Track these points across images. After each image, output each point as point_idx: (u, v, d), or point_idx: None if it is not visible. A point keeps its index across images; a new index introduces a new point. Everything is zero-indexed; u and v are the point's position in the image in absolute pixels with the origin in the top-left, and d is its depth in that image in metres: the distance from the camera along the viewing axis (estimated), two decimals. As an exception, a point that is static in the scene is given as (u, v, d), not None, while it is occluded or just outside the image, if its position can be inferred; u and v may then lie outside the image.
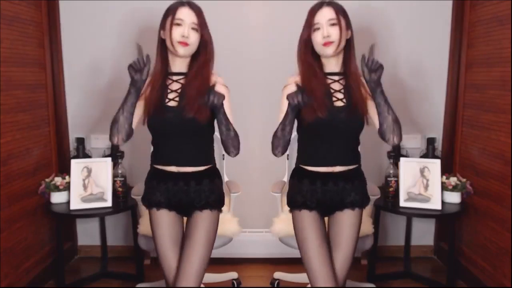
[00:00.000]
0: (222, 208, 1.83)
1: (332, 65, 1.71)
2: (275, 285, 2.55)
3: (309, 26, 1.67)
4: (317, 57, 1.72)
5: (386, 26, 2.78)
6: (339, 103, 1.69)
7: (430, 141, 2.74)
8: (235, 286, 2.56)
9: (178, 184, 1.74)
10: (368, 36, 2.77)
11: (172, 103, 1.70)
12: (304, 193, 1.75)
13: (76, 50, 2.78)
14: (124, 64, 2.77)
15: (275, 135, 1.73)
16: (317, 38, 1.65)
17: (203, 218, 1.74)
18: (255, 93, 2.85)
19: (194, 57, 1.72)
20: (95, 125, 2.84)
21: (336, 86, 1.72)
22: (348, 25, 1.69)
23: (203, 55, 1.70)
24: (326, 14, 1.64)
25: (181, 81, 1.72)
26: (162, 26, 1.69)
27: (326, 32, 1.63)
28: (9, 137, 2.31)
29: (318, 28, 1.64)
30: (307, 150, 1.76)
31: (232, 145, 1.74)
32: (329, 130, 1.69)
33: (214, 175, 1.80)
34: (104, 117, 2.84)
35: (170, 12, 1.67)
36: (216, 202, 1.78)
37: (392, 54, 2.80)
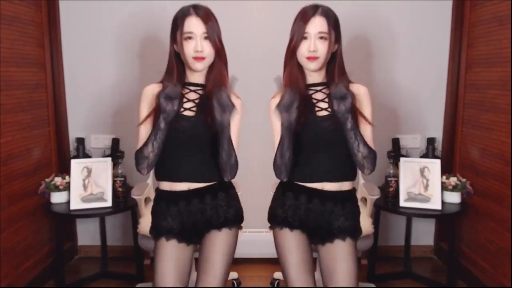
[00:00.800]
0: (242, 225, 1.72)
1: (315, 76, 1.62)
2: (275, 285, 2.55)
3: (297, 32, 1.55)
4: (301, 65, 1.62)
5: (386, 26, 2.78)
6: (323, 113, 1.60)
7: (430, 141, 2.73)
8: (235, 286, 2.56)
9: (192, 202, 1.62)
10: (368, 37, 2.77)
11: (188, 113, 1.59)
12: (286, 207, 1.64)
13: (76, 50, 2.78)
14: (124, 64, 2.80)
15: (274, 162, 1.62)
16: (302, 49, 1.55)
17: (221, 239, 1.61)
18: (256, 92, 2.84)
19: (210, 65, 1.61)
20: (95, 125, 2.84)
21: (318, 96, 1.62)
22: (338, 39, 1.58)
23: (217, 63, 1.59)
24: (317, 25, 1.53)
25: (199, 91, 1.62)
26: (173, 39, 1.58)
27: (313, 46, 1.52)
28: (9, 137, 2.31)
29: (306, 38, 1.54)
30: (296, 164, 1.63)
31: (230, 172, 1.62)
32: (314, 142, 1.59)
33: (228, 186, 1.69)
34: (104, 117, 2.84)
35: (178, 24, 1.55)
36: (235, 217, 1.66)
37: (392, 54, 2.80)
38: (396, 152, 2.67)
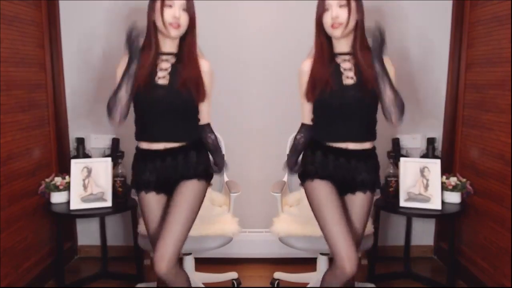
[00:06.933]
0: (211, 182, 1.91)
1: (343, 45, 1.76)
2: (275, 285, 2.55)
3: (320, 7, 1.71)
4: (329, 37, 1.76)
5: (385, 27, 2.77)
6: (349, 81, 1.74)
7: (430, 141, 2.74)
8: (235, 286, 2.56)
9: (166, 160, 1.78)
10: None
11: (162, 81, 1.74)
12: (316, 164, 1.80)
13: (76, 50, 2.78)
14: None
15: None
16: (326, 19, 1.69)
17: (188, 186, 1.79)
18: (256, 93, 2.85)
19: (182, 36, 1.76)
20: (95, 125, 2.84)
21: (346, 65, 1.76)
22: (359, 7, 1.73)
23: (190, 35, 1.75)
24: None
25: (171, 60, 1.77)
26: (151, 7, 1.74)
27: (335, 13, 1.67)
28: (9, 137, 2.31)
29: (328, 9, 1.69)
30: (321, 126, 1.80)
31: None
32: (340, 107, 1.73)
33: (200, 147, 1.86)
34: (104, 117, 2.82)
35: None
36: (203, 172, 1.83)
37: (392, 54, 2.80)
38: (396, 152, 2.67)
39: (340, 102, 1.72)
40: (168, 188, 1.82)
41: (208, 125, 1.89)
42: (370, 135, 1.82)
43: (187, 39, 1.76)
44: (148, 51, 1.74)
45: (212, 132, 1.90)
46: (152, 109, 1.74)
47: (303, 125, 1.88)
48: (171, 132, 1.77)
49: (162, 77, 1.75)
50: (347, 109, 1.73)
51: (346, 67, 1.75)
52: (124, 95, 1.67)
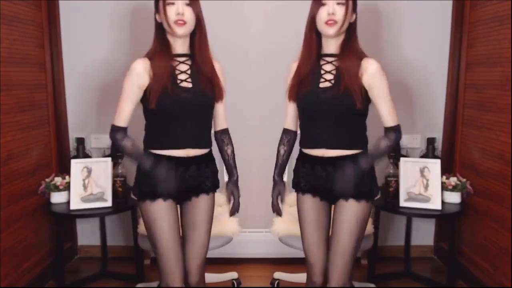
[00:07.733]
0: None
1: (331, 46, 1.69)
2: (275, 285, 2.55)
3: (317, 2, 1.65)
4: (319, 35, 1.70)
5: (385, 26, 2.78)
6: (326, 84, 1.66)
7: (430, 141, 2.74)
8: (235, 286, 2.56)
9: (190, 168, 1.72)
10: (368, 36, 2.77)
11: (185, 84, 1.68)
12: (298, 175, 1.80)
13: (76, 50, 2.78)
14: (123, 63, 2.80)
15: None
16: (322, 15, 1.62)
17: (207, 201, 1.80)
18: (255, 93, 2.84)
19: (192, 35, 1.70)
20: (95, 125, 2.84)
21: (328, 67, 1.69)
22: (354, 9, 1.66)
23: (199, 33, 1.69)
24: None
25: (188, 62, 1.71)
26: (156, 9, 1.67)
27: (332, 9, 1.60)
28: (9, 137, 2.31)
29: (324, 5, 1.62)
30: (302, 132, 1.78)
31: None
32: (314, 112, 1.68)
33: (213, 157, 1.84)
34: (104, 117, 2.84)
35: None
36: (218, 182, 1.86)
37: (392, 54, 2.80)
38: (396, 152, 2.67)
39: (315, 105, 1.67)
40: (183, 198, 1.77)
41: (227, 131, 1.87)
42: (352, 141, 1.70)
43: (196, 37, 1.69)
44: (160, 54, 1.67)
45: (231, 142, 1.88)
46: (177, 114, 1.66)
47: (284, 132, 1.87)
48: (195, 137, 1.72)
49: (184, 80, 1.68)
50: (322, 113, 1.66)
51: (327, 69, 1.68)
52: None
